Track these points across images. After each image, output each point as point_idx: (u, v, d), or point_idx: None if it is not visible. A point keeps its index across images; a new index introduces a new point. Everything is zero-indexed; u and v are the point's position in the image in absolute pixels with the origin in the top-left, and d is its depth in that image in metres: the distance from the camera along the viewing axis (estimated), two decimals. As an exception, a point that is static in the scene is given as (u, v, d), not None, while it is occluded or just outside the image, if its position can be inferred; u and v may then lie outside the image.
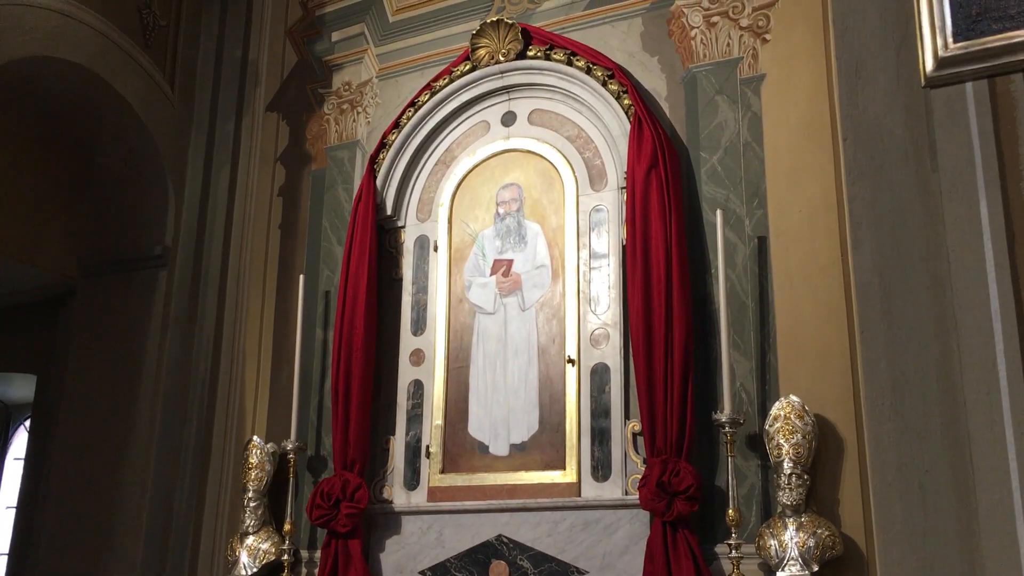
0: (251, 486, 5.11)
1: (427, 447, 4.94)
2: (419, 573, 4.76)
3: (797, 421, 3.99)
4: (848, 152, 2.57)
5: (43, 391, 6.91)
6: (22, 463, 7.24)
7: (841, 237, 4.26)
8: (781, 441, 3.98)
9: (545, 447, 4.69)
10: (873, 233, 2.48)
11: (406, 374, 5.13)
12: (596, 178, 4.96)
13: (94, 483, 5.86)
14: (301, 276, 5.44)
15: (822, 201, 4.38)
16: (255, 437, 5.26)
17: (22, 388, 7.72)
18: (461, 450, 4.89)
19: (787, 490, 3.91)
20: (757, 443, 4.20)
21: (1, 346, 7.42)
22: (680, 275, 4.40)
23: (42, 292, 6.79)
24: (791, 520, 3.89)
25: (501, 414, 4.84)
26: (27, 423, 7.76)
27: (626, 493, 4.42)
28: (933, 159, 2.43)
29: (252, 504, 5.09)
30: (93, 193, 6.42)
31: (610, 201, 4.86)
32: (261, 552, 5.01)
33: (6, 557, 6.99)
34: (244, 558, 5.01)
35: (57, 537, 6.00)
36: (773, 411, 4.07)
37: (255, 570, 4.98)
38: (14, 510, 7.06)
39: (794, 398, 4.05)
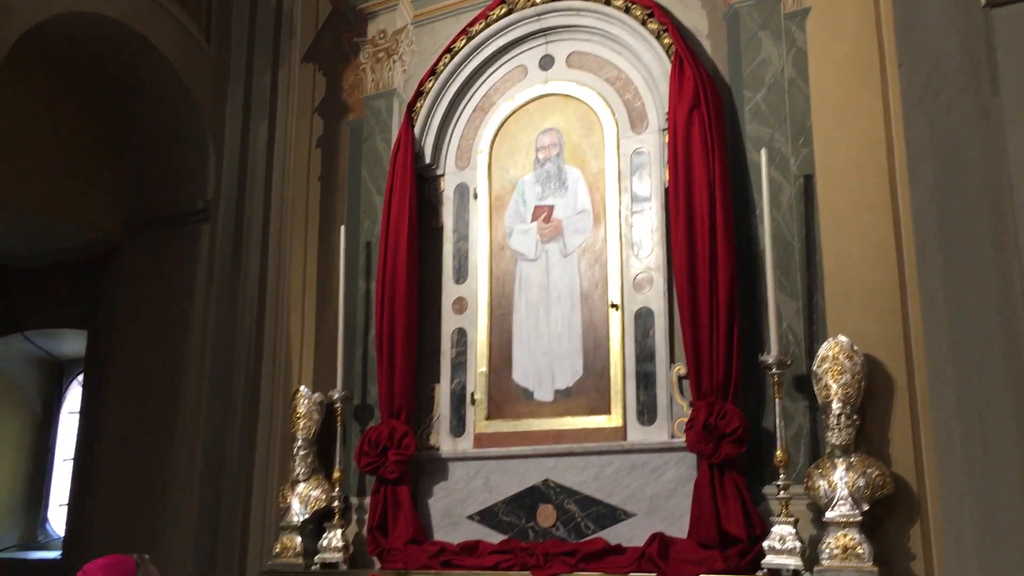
0: (300, 435, 5.19)
1: (472, 394, 4.96)
2: (467, 518, 4.82)
3: (846, 361, 3.93)
4: (904, 78, 2.48)
5: (94, 346, 7.04)
6: (77, 417, 7.40)
7: (890, 173, 4.16)
8: (829, 382, 3.93)
9: (590, 392, 4.69)
10: (930, 162, 2.40)
11: (449, 322, 5.14)
12: (637, 120, 4.88)
13: (147, 435, 5.99)
14: (342, 227, 5.45)
15: (870, 137, 4.27)
16: (302, 387, 5.32)
17: (74, 343, 7.87)
18: (506, 397, 4.91)
19: (836, 430, 3.87)
20: (805, 384, 4.15)
21: (52, 303, 7.56)
22: (724, 216, 4.34)
23: (89, 249, 6.88)
24: (840, 460, 3.86)
25: (545, 360, 4.84)
26: (80, 378, 7.92)
27: (672, 436, 4.41)
28: (994, 83, 2.33)
29: (301, 452, 5.16)
30: (134, 150, 6.47)
31: (651, 143, 4.79)
32: (312, 499, 5.09)
33: (66, 508, 7.19)
34: (295, 505, 5.10)
35: (113, 488, 6.15)
36: (821, 352, 4.02)
37: (306, 516, 5.07)
38: (71, 462, 7.25)
39: (842, 338, 4.00)
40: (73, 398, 8.27)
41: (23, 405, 8.22)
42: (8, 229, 6.67)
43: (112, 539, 5.86)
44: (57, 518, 7.97)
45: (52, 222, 6.48)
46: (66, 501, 7.18)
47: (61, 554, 6.97)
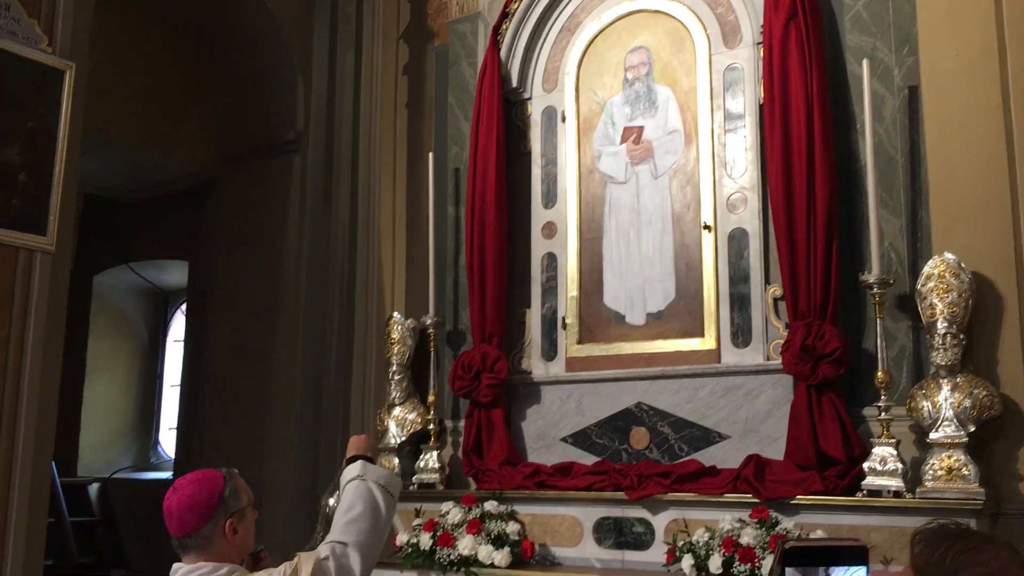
0: (394, 360, 5.29)
1: (563, 318, 4.97)
2: (560, 440, 4.87)
3: (952, 279, 3.79)
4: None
5: (195, 276, 7.29)
6: (181, 345, 7.71)
7: (1002, 82, 3.94)
8: (935, 301, 3.80)
9: (682, 315, 4.64)
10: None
11: (539, 247, 5.13)
12: (729, 35, 4.71)
13: (248, 362, 6.20)
14: (430, 154, 5.45)
15: (981, 44, 4.04)
16: (395, 313, 5.40)
17: (176, 274, 8.16)
18: (597, 320, 4.90)
19: (941, 350, 3.75)
20: (908, 304, 4.03)
21: (154, 235, 7.83)
22: (823, 132, 4.18)
23: (187, 182, 7.07)
24: (945, 381, 3.75)
25: (636, 284, 4.80)
26: (183, 307, 8.22)
27: (768, 358, 4.35)
28: None
29: (396, 377, 5.27)
30: (226, 83, 6.57)
31: (745, 58, 4.63)
32: (408, 422, 5.21)
33: (175, 431, 7.54)
34: (392, 428, 5.23)
35: (219, 413, 6.42)
36: (926, 270, 3.88)
37: (403, 439, 5.20)
38: (178, 388, 7.57)
39: (949, 255, 3.84)
40: (177, 327, 8.61)
41: (131, 334, 8.60)
42: (110, 164, 6.90)
43: (219, 461, 6.12)
44: (168, 441, 8.38)
45: (150, 155, 6.67)
46: (175, 425, 7.52)
47: (172, 475, 7.33)
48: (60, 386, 4.38)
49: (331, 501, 3.67)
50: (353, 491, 2.53)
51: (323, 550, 2.36)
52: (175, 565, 2.33)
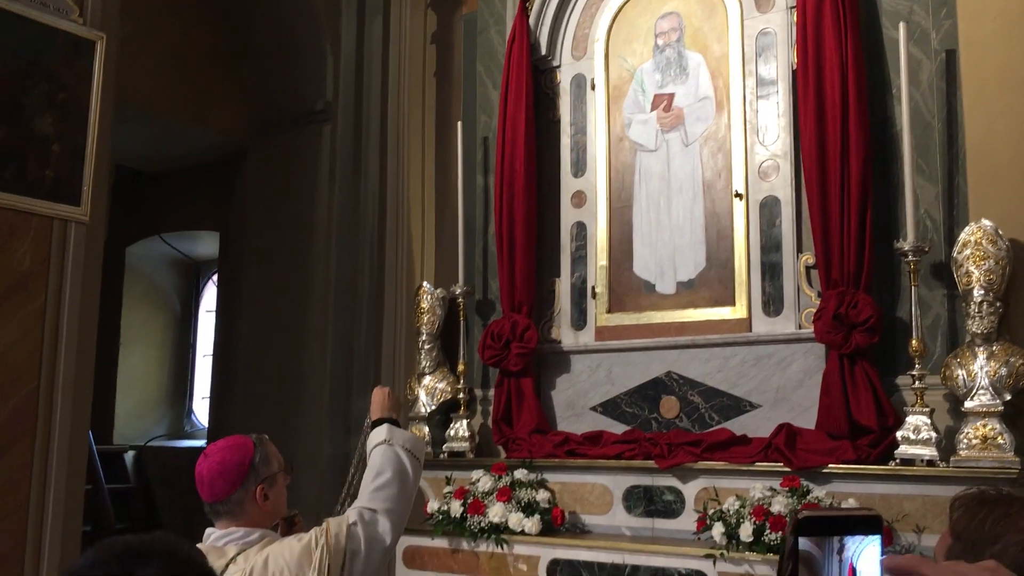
0: (424, 329, 5.30)
1: (593, 288, 4.95)
2: (590, 409, 4.87)
3: (989, 246, 3.73)
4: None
5: (226, 247, 7.34)
6: (213, 315, 7.78)
7: (1044, 44, 3.85)
8: (971, 268, 3.74)
9: (713, 284, 4.61)
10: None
11: (568, 216, 5.11)
12: (762, -1, 4.64)
13: (279, 331, 6.25)
14: (459, 123, 5.43)
15: (1021, 7, 3.95)
16: (424, 283, 5.41)
17: (208, 245, 8.23)
18: (627, 290, 4.88)
19: (977, 318, 3.70)
20: (943, 271, 3.97)
21: (186, 206, 7.89)
22: (857, 97, 4.12)
23: (217, 153, 7.11)
24: (981, 349, 3.70)
25: (667, 252, 4.77)
26: (215, 277, 8.30)
27: (799, 327, 4.32)
28: None
29: (426, 346, 5.29)
30: (255, 53, 6.57)
31: (778, 23, 4.55)
32: (438, 391, 5.24)
33: (208, 400, 7.64)
34: (423, 397, 5.26)
35: (251, 382, 6.48)
36: (962, 237, 3.82)
37: (433, 408, 5.23)
38: (210, 358, 7.66)
39: (986, 222, 3.78)
40: (209, 297, 8.69)
41: (164, 305, 8.70)
42: (141, 136, 6.94)
43: (251, 429, 6.18)
44: (201, 410, 8.49)
45: (181, 127, 6.70)
46: (208, 394, 7.62)
47: (206, 443, 7.42)
48: (96, 356, 4.44)
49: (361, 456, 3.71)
50: (381, 456, 2.54)
51: (351, 515, 2.38)
52: (208, 530, 2.35)
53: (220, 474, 2.32)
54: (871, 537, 0.77)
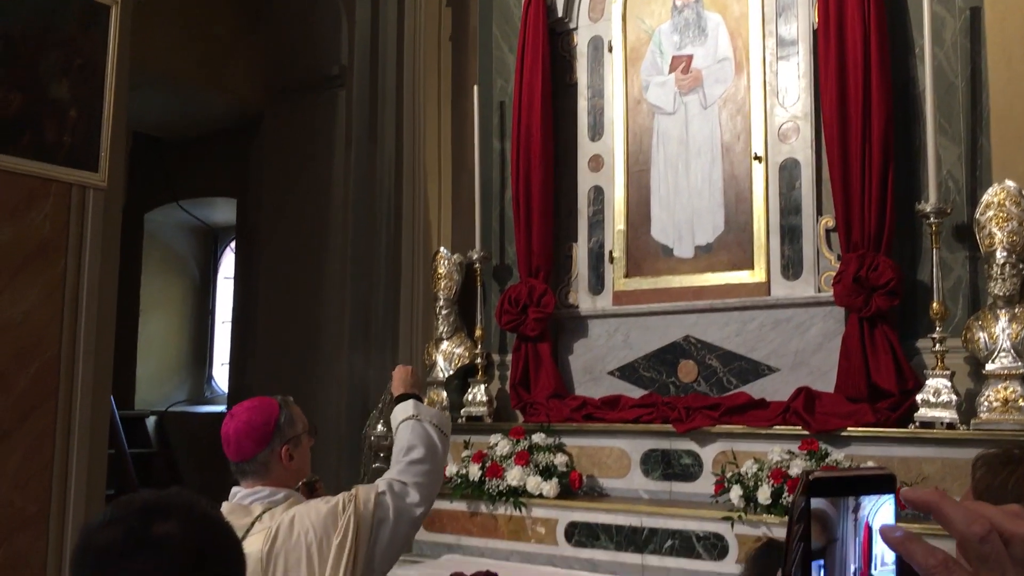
0: (441, 295, 5.31)
1: (610, 252, 4.93)
2: (608, 373, 4.87)
3: (1013, 208, 3.69)
4: None
5: (244, 213, 7.35)
6: (231, 282, 7.82)
7: (1072, 0, 3.77)
8: (994, 230, 3.70)
9: (732, 247, 4.59)
10: None
11: (585, 180, 5.08)
12: (783, -43, 4.56)
13: (297, 297, 6.27)
14: (475, 87, 5.39)
15: (1049, -39, 3.86)
16: (442, 248, 5.41)
17: (225, 212, 8.24)
18: (645, 254, 4.86)
19: (1000, 280, 3.66)
20: (965, 233, 3.93)
21: (202, 173, 7.89)
22: (879, 57, 4.05)
23: (233, 119, 7.09)
24: (1003, 311, 3.67)
25: (685, 216, 4.74)
26: (232, 244, 8.32)
27: (819, 290, 4.29)
28: None
29: (444, 312, 5.30)
30: (270, 18, 6.53)
31: (799, -18, 4.48)
32: (455, 356, 5.25)
33: (227, 366, 7.70)
34: (440, 362, 5.28)
35: (269, 348, 6.51)
36: (985, 198, 3.78)
37: (451, 372, 5.25)
38: (229, 324, 7.70)
39: (1010, 183, 3.73)
40: (227, 264, 8.72)
41: (182, 271, 8.74)
42: (157, 102, 6.93)
43: (270, 394, 6.24)
44: (221, 376, 8.56)
45: (197, 92, 6.68)
46: (227, 360, 7.67)
47: (227, 408, 7.49)
48: (116, 322, 4.48)
49: (379, 428, 3.73)
50: (410, 431, 2.56)
51: (381, 484, 2.40)
52: (234, 489, 2.38)
53: (246, 434, 2.35)
54: (886, 496, 0.76)
